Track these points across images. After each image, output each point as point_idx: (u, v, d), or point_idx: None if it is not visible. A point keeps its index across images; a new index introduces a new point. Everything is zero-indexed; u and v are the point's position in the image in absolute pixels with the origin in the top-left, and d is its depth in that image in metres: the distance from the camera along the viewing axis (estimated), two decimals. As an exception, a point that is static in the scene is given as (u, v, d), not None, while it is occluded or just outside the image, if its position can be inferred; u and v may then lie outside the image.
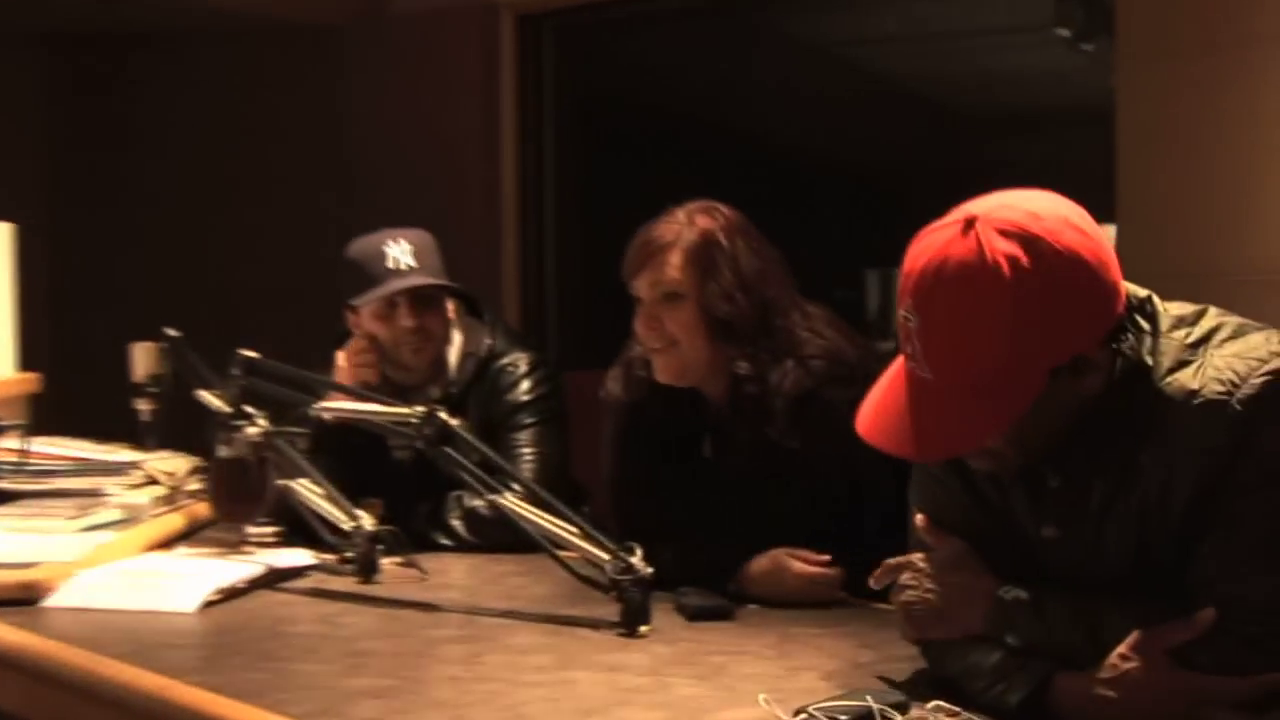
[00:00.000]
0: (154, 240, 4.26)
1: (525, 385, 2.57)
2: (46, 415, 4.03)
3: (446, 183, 3.97)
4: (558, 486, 2.46)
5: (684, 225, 2.09)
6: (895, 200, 5.02)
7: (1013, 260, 1.28)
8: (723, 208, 2.13)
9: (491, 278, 4.03)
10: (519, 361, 2.60)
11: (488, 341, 2.61)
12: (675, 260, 2.07)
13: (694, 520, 2.16)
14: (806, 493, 2.06)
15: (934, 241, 1.33)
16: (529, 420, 2.55)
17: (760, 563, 2.03)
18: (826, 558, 2.01)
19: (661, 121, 4.85)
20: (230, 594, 2.03)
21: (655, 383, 2.15)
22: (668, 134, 4.86)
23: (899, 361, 1.40)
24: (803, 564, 2.01)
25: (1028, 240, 1.29)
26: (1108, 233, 3.38)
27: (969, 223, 1.31)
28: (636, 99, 4.79)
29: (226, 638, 1.84)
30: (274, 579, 2.14)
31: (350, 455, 2.54)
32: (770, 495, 2.10)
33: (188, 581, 2.03)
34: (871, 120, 5.39)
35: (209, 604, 1.98)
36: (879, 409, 1.39)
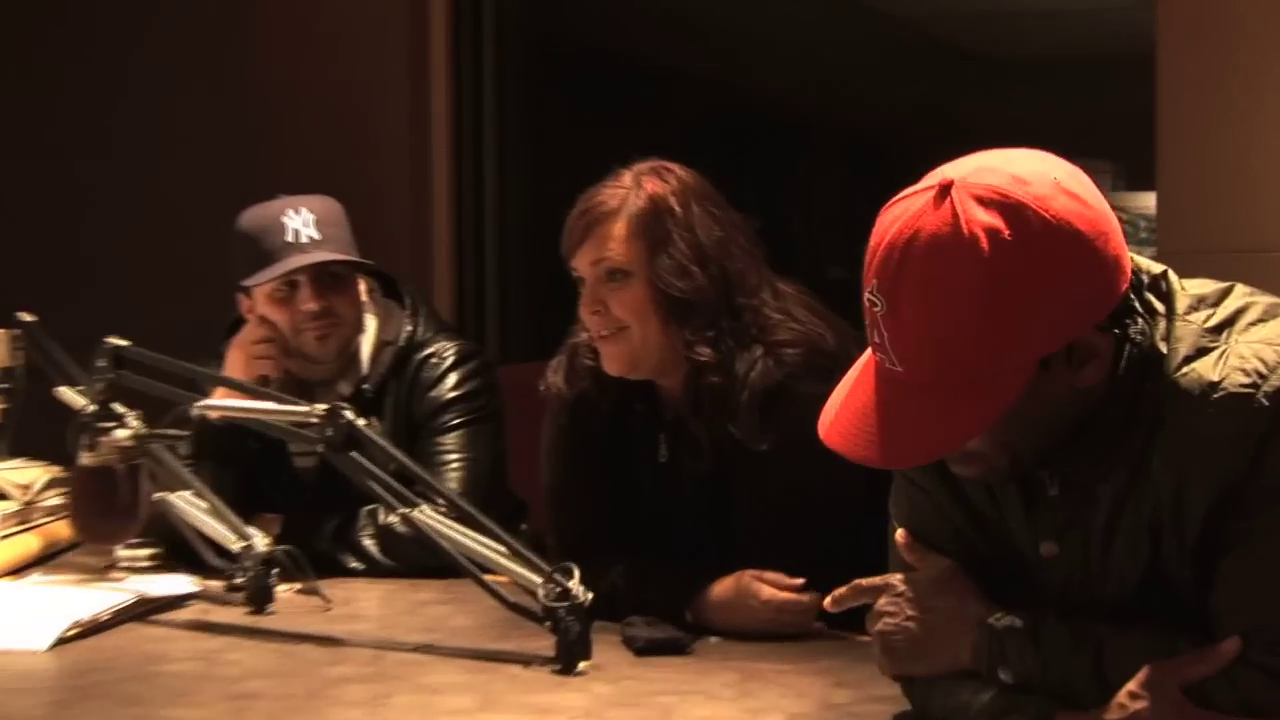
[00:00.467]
0: (13, 204, 4.24)
1: (452, 379, 2.59)
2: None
3: (366, 139, 3.97)
4: (490, 498, 2.50)
5: (630, 190, 2.10)
6: (902, 161, 5.04)
7: (993, 233, 1.30)
8: (676, 168, 2.14)
9: (421, 254, 4.03)
10: (445, 352, 2.61)
11: (408, 328, 2.62)
12: (619, 231, 2.08)
13: (647, 537, 2.19)
14: (778, 504, 2.08)
15: (904, 211, 1.35)
16: (456, 420, 2.56)
17: (722, 587, 2.05)
18: (800, 582, 2.03)
19: (627, 70, 4.85)
20: (92, 628, 2.04)
21: (603, 375, 2.17)
22: (635, 84, 4.87)
23: (868, 353, 1.42)
24: (772, 589, 2.03)
25: (1011, 209, 1.31)
26: (1142, 201, 3.43)
27: (944, 189, 1.33)
28: (596, 42, 4.79)
29: (83, 680, 1.84)
30: (146, 610, 2.15)
31: (243, 463, 2.56)
32: (736, 506, 2.12)
33: (41, 615, 2.04)
34: (875, 66, 5.41)
35: (64, 641, 1.99)
36: (842, 408, 1.40)
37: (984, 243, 1.30)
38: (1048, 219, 1.32)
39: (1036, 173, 1.35)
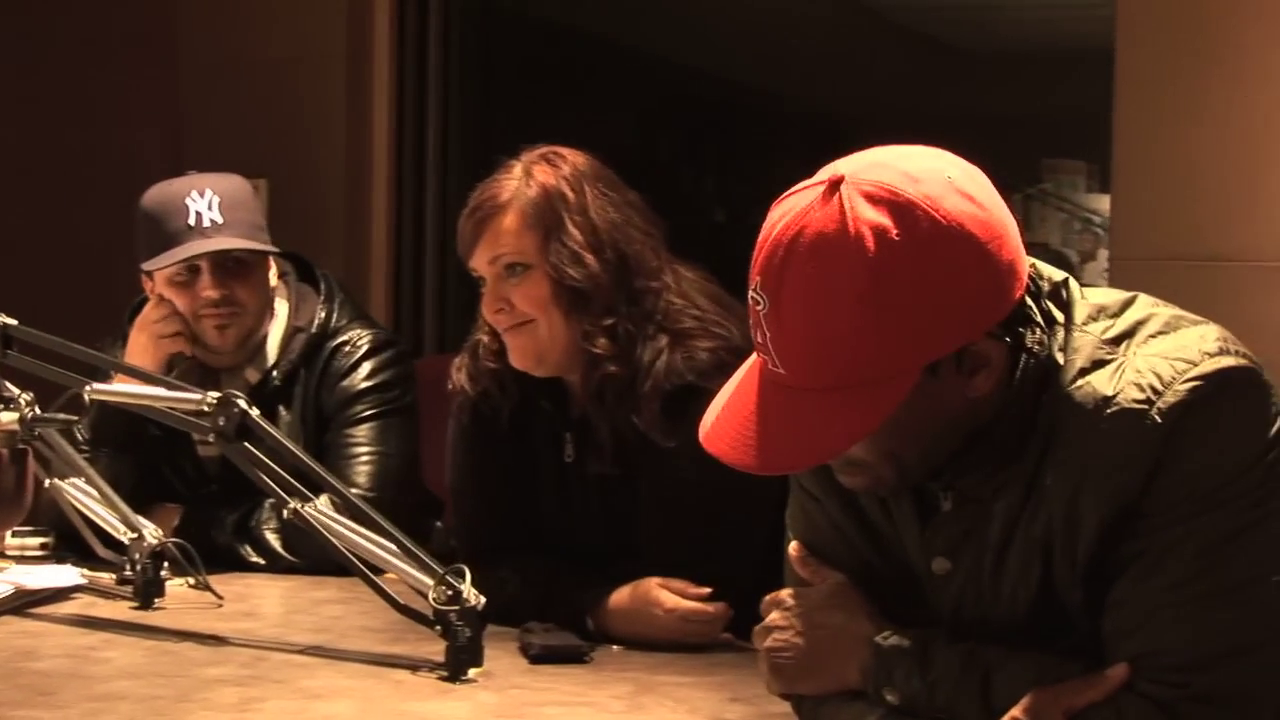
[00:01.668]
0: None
1: (364, 369, 2.56)
2: None
3: (301, 117, 3.93)
4: (400, 495, 2.48)
5: (519, 180, 2.08)
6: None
7: (879, 232, 1.28)
8: (567, 152, 2.12)
9: (357, 239, 3.99)
10: (359, 340, 2.58)
11: (321, 315, 2.59)
12: (512, 224, 2.06)
13: (550, 540, 2.16)
14: (684, 507, 2.06)
15: (792, 206, 1.32)
16: (367, 412, 2.54)
17: (624, 595, 2.03)
18: (705, 591, 2.01)
19: (581, 49, 4.82)
20: (-37, 620, 2.02)
21: (504, 375, 2.14)
22: (589, 64, 4.84)
23: (754, 355, 1.39)
24: (676, 597, 2.01)
25: (900, 208, 1.28)
26: (1111, 200, 3.37)
27: (834, 185, 1.30)
28: (549, 18, 4.76)
29: (-60, 675, 1.81)
30: (24, 603, 2.12)
31: (143, 451, 2.53)
32: (639, 507, 2.10)
33: (-91, 604, 2.01)
34: (842, 54, 5.39)
35: (-69, 633, 1.96)
36: (724, 410, 1.38)
37: (870, 242, 1.28)
38: (938, 219, 1.29)
39: (930, 170, 1.32)
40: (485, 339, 2.15)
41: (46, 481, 2.30)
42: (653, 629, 2.01)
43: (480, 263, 2.09)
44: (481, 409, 2.17)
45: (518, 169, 2.09)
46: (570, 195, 2.06)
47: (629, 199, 2.12)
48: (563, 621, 2.01)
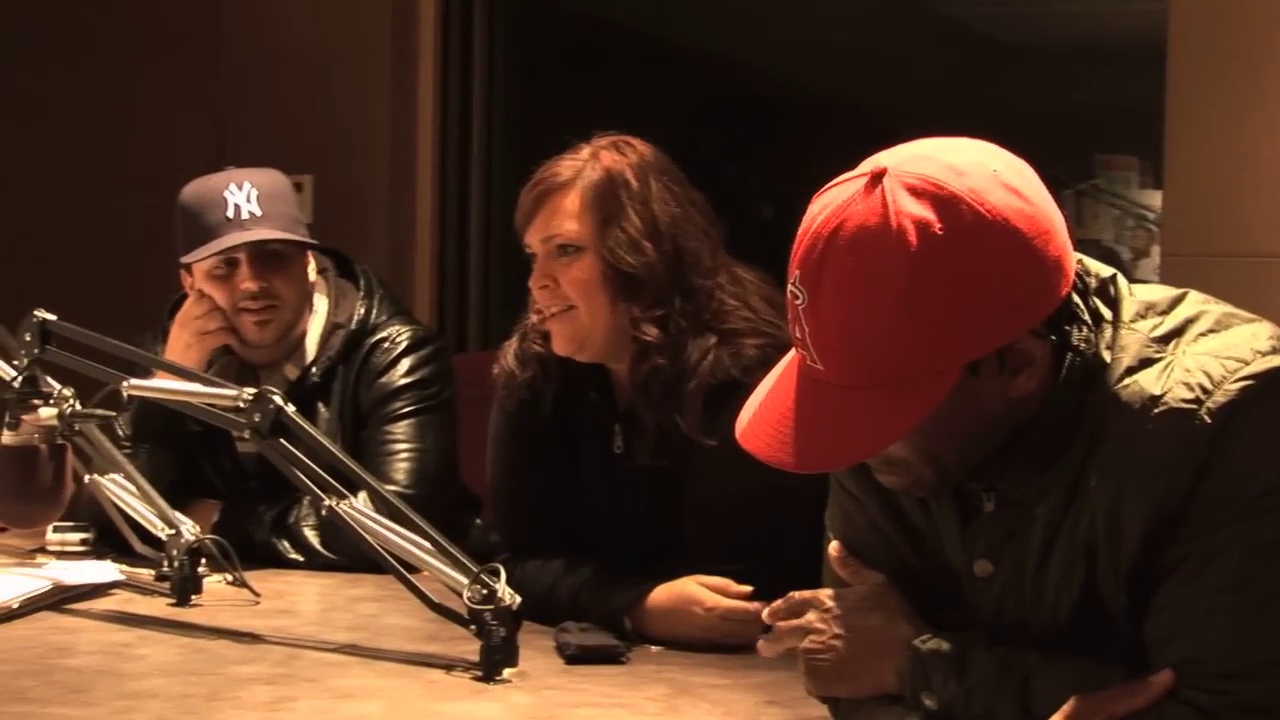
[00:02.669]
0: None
1: (403, 366, 2.55)
2: None
3: (345, 113, 3.93)
4: (438, 492, 2.46)
5: (585, 163, 2.07)
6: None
7: (922, 226, 1.25)
8: (636, 142, 2.11)
9: (401, 236, 3.99)
10: (398, 336, 2.57)
11: (361, 311, 2.58)
12: (572, 204, 2.05)
13: (593, 534, 2.14)
14: (726, 505, 2.03)
15: (833, 199, 1.30)
16: (405, 409, 2.52)
17: (664, 594, 2.01)
18: (746, 590, 1.99)
19: (627, 45, 4.81)
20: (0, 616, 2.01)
21: (550, 360, 2.12)
22: (635, 59, 4.82)
23: (793, 351, 1.37)
24: (716, 596, 1.99)
25: (943, 201, 1.25)
26: (1166, 197, 3.32)
27: (876, 177, 1.28)
28: (593, 13, 4.74)
29: (-29, 673, 1.81)
30: (61, 599, 2.12)
31: (183, 447, 2.53)
32: (685, 505, 2.07)
33: (-53, 600, 2.01)
34: (891, 49, 5.35)
35: (-33, 629, 1.96)
36: (761, 407, 1.36)
37: (911, 236, 1.25)
38: (982, 213, 1.26)
39: (974, 163, 1.29)
40: (534, 319, 2.13)
41: (86, 477, 2.29)
42: (692, 628, 1.98)
43: (534, 238, 2.08)
44: (526, 396, 2.15)
45: (585, 151, 2.08)
46: (634, 183, 2.05)
47: (691, 196, 2.11)
48: (600, 621, 1.99)
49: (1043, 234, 1.29)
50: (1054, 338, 1.33)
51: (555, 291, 2.06)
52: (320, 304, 2.59)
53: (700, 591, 1.99)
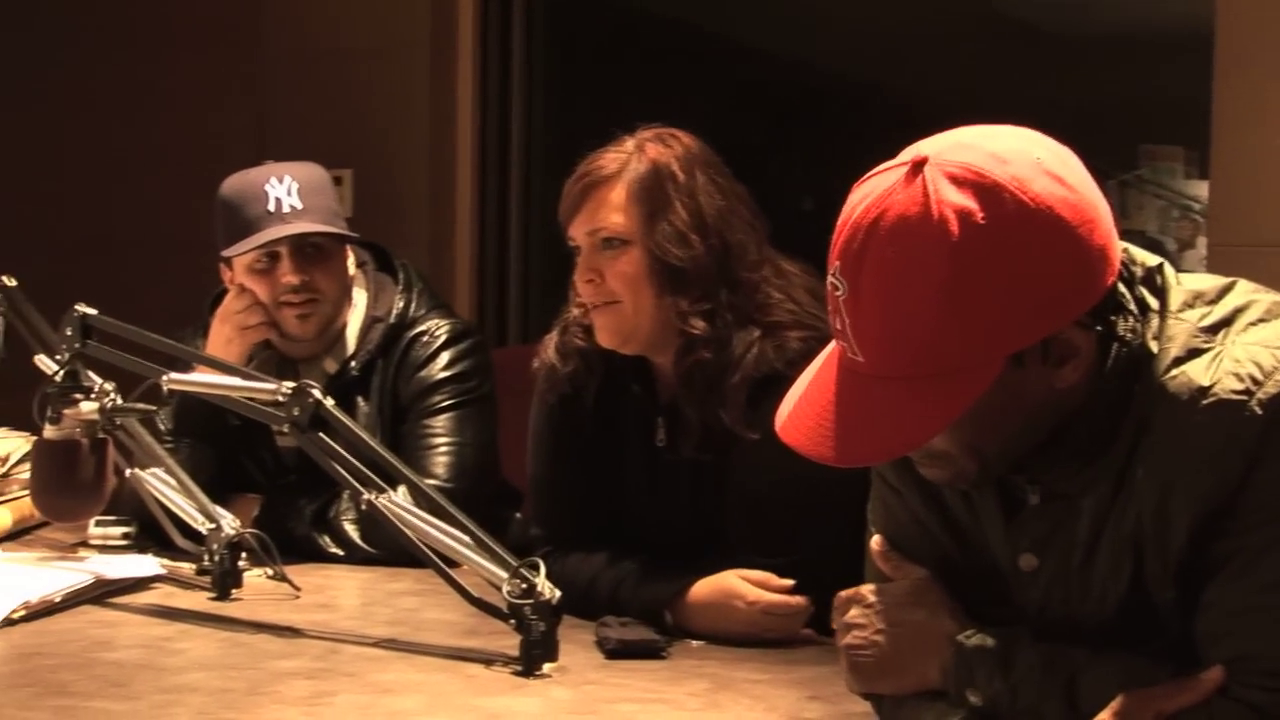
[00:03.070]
0: (8, 163, 4.23)
1: (443, 359, 2.54)
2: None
3: (384, 107, 3.93)
4: (478, 486, 2.46)
5: (631, 155, 2.05)
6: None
7: (964, 215, 1.23)
8: (681, 134, 2.09)
9: (440, 230, 3.99)
10: (437, 330, 2.56)
11: (400, 304, 2.58)
12: (618, 198, 2.04)
13: (634, 525, 2.13)
14: (768, 498, 2.02)
15: (873, 188, 1.28)
16: (445, 403, 2.51)
17: (704, 587, 1.99)
18: (788, 583, 1.97)
19: (665, 35, 4.79)
20: (41, 610, 2.01)
21: (592, 353, 2.11)
22: (675, 51, 4.80)
23: (833, 343, 1.35)
24: (758, 590, 1.97)
25: (985, 190, 1.24)
26: (1210, 186, 3.29)
27: (917, 166, 1.26)
28: (633, 5, 4.73)
29: (14, 666, 1.81)
30: (103, 592, 2.12)
31: (223, 441, 2.53)
32: (727, 498, 2.06)
33: (-10, 593, 2.01)
34: (935, 39, 5.31)
35: (11, 622, 1.96)
36: (801, 400, 1.34)
37: (953, 225, 1.23)
38: (1025, 202, 1.24)
39: (1017, 151, 1.27)
40: (576, 312, 2.12)
41: (127, 471, 2.30)
42: (733, 622, 1.97)
43: (579, 231, 2.06)
44: (568, 390, 2.14)
45: (630, 143, 2.07)
46: (680, 176, 2.03)
47: (736, 190, 2.09)
48: (640, 614, 1.98)
49: (1087, 222, 1.27)
50: (1099, 328, 1.30)
51: (600, 285, 2.05)
52: (359, 298, 2.58)
53: (742, 586, 1.98)
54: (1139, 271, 1.35)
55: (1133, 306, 1.33)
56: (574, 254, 2.10)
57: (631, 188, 2.03)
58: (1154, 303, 1.34)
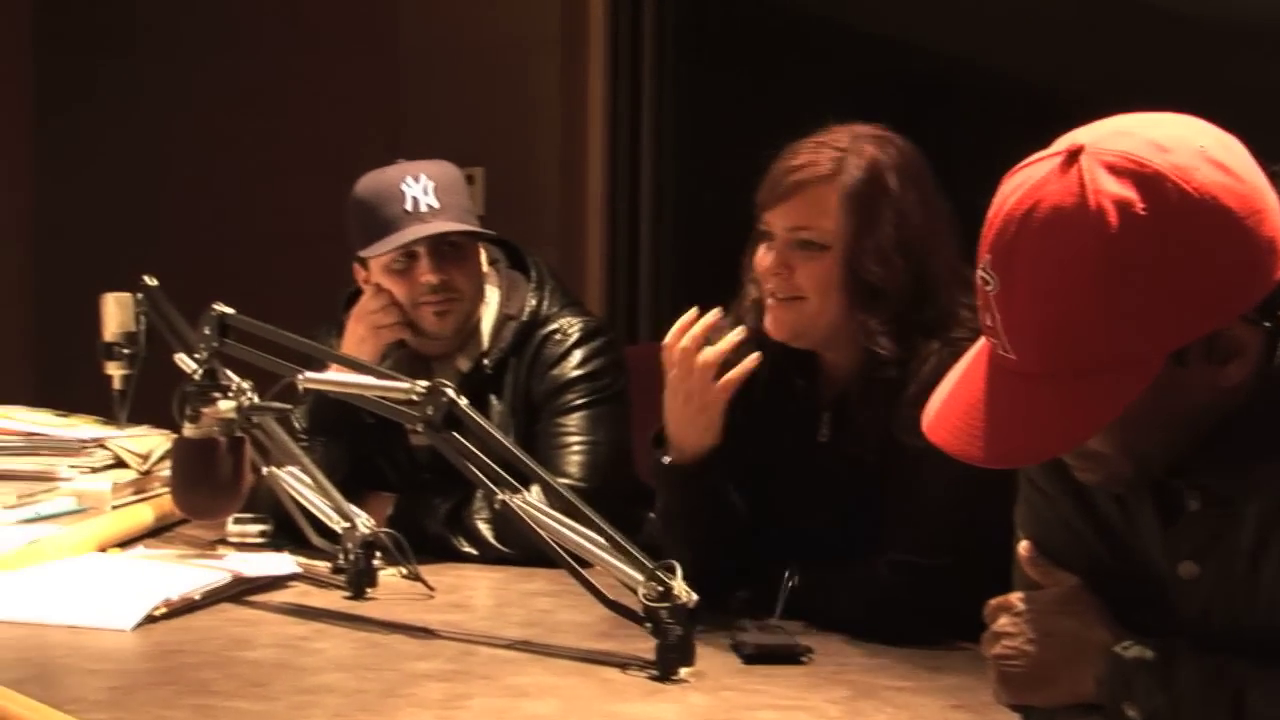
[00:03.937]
0: (144, 164, 4.30)
1: (575, 358, 2.52)
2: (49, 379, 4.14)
3: (516, 104, 3.93)
4: (611, 485, 2.43)
5: (847, 154, 1.99)
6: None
7: (1122, 205, 1.17)
8: (896, 139, 2.02)
9: (572, 226, 3.98)
10: (569, 328, 2.54)
11: (532, 302, 2.56)
12: (829, 203, 1.98)
13: (788, 519, 2.09)
14: (928, 500, 1.96)
15: (1026, 179, 1.23)
16: (578, 401, 2.50)
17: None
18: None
19: (796, 27, 4.73)
20: (182, 608, 2.03)
21: (768, 342, 2.05)
22: (806, 44, 4.75)
23: (981, 340, 1.30)
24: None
25: (1146, 179, 1.18)
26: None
27: (1072, 155, 1.21)
28: (764, 1, 4.68)
29: (157, 664, 1.83)
30: (241, 590, 2.13)
31: (358, 440, 2.53)
32: (886, 499, 2.01)
33: (132, 592, 2.03)
34: (1069, 26, 5.19)
35: (153, 620, 1.97)
36: (949, 398, 1.29)
37: (1111, 216, 1.18)
38: (1188, 192, 1.18)
39: (1179, 138, 1.21)
40: (753, 294, 2.07)
41: (264, 469, 2.31)
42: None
43: (778, 222, 2.01)
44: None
45: (844, 138, 2.00)
46: (895, 188, 1.97)
47: (942, 209, 2.03)
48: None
49: (1255, 213, 1.20)
50: (1267, 324, 1.24)
51: (788, 279, 2.01)
52: (492, 295, 2.57)
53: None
54: (1306, 264, 1.28)
55: (1301, 301, 1.26)
56: (758, 236, 2.04)
57: (845, 194, 1.97)
58: (1325, 297, 1.27)
